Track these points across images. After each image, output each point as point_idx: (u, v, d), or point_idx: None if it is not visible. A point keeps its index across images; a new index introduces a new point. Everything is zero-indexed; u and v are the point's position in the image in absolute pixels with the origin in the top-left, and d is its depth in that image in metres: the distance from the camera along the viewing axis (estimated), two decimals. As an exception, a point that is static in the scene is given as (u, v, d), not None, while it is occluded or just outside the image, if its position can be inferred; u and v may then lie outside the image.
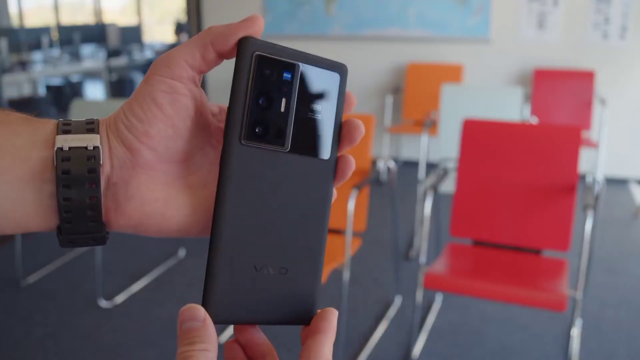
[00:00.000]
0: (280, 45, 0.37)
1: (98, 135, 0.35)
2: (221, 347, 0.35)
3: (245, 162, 0.35)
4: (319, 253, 0.38)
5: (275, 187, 0.37)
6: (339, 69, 0.38)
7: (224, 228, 0.35)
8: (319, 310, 0.38)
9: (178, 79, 0.36)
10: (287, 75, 0.36)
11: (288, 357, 0.37)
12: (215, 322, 0.35)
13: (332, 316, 0.37)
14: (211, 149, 0.39)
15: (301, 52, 0.37)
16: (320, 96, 0.38)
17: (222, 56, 0.37)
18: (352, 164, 0.39)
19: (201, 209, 0.38)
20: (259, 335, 0.39)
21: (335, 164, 0.39)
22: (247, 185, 0.36)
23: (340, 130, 0.38)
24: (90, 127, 0.36)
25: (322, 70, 0.38)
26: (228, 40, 0.36)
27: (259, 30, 0.36)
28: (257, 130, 0.36)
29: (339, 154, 0.39)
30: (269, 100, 0.36)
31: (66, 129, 0.35)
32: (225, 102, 0.38)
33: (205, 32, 0.36)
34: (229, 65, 0.37)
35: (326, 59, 0.38)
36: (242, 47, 0.35)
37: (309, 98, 0.37)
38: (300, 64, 0.37)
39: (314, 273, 0.38)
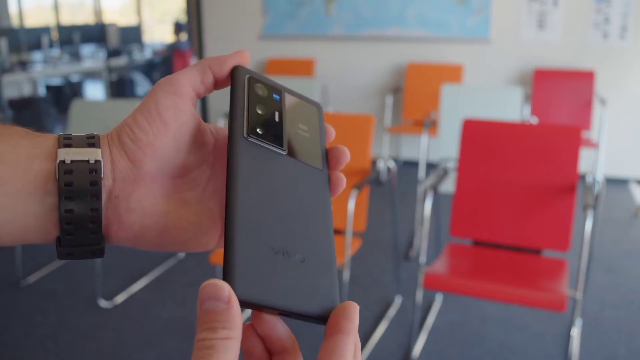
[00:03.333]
0: (265, 77, 0.42)
1: (99, 150, 0.36)
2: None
3: (250, 154, 0.37)
4: (331, 253, 0.39)
5: (279, 181, 0.38)
6: (316, 104, 0.44)
7: (238, 204, 0.35)
8: (340, 305, 0.35)
9: (180, 95, 0.38)
10: (276, 96, 0.42)
11: (311, 353, 0.35)
12: (239, 301, 0.32)
13: (354, 313, 0.34)
14: (207, 167, 0.41)
15: (283, 86, 0.43)
16: (305, 119, 0.43)
17: (217, 82, 0.40)
18: (343, 181, 0.42)
19: (197, 223, 0.39)
20: (280, 327, 0.36)
21: (328, 179, 0.41)
22: (253, 173, 0.37)
23: (327, 155, 0.42)
24: (92, 141, 0.37)
25: (302, 101, 0.44)
26: (223, 66, 0.40)
27: (246, 63, 0.41)
28: (257, 129, 0.39)
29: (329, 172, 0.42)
30: (264, 109, 0.40)
31: (67, 142, 0.36)
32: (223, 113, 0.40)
33: (202, 60, 0.40)
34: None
35: (304, 96, 0.44)
36: (236, 72, 0.40)
37: (296, 118, 0.42)
38: (284, 92, 0.43)
39: (330, 271, 0.38)
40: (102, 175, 0.36)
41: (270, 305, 0.34)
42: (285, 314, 0.35)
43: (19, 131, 0.36)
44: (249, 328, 0.36)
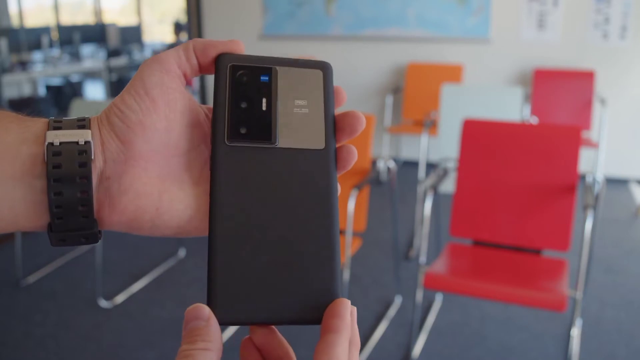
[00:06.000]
0: (257, 56, 0.39)
1: (89, 131, 0.36)
2: (236, 347, 0.34)
3: (233, 160, 0.36)
4: (330, 245, 0.36)
5: (271, 181, 0.37)
6: (321, 66, 0.40)
7: (221, 223, 0.35)
8: (330, 304, 0.35)
9: (167, 72, 0.37)
10: (264, 78, 0.39)
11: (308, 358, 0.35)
12: (222, 323, 0.34)
13: (344, 310, 0.34)
14: (206, 148, 0.40)
15: (280, 58, 0.40)
16: (304, 92, 0.39)
17: (202, 66, 0.39)
18: (354, 153, 0.39)
19: (193, 205, 0.38)
20: (275, 337, 0.37)
21: (335, 154, 0.39)
22: (238, 180, 0.36)
23: (335, 122, 0.39)
24: (82, 123, 0.36)
25: (302, 69, 0.40)
26: (206, 50, 0.38)
27: (238, 51, 0.39)
28: (240, 130, 0.37)
29: (339, 145, 0.39)
30: (249, 101, 0.38)
31: (57, 125, 0.36)
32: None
33: (188, 41, 0.39)
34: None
35: (308, 60, 0.40)
36: (219, 61, 0.38)
37: (292, 95, 0.39)
38: (276, 67, 0.39)
39: (328, 267, 0.36)
40: (92, 157, 0.35)
41: (254, 321, 0.35)
42: (274, 324, 0.36)
43: (8, 115, 0.36)
44: (247, 341, 0.37)
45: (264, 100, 0.38)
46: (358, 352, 0.34)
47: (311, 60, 0.40)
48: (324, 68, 0.40)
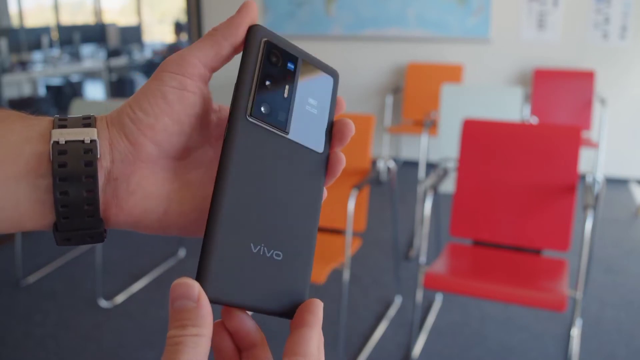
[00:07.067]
0: (284, 38, 0.39)
1: (95, 129, 0.35)
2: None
3: (249, 137, 0.36)
4: (310, 247, 0.38)
5: (275, 169, 0.37)
6: (332, 73, 0.41)
7: (225, 199, 0.34)
8: (305, 301, 0.36)
9: (189, 76, 0.36)
10: (290, 66, 0.38)
11: (279, 347, 0.35)
12: (209, 300, 0.33)
13: (318, 309, 0.35)
14: (210, 147, 0.39)
15: (302, 50, 0.40)
16: (317, 92, 0.40)
17: (235, 50, 0.38)
18: (342, 161, 0.40)
19: (200, 207, 0.38)
20: (249, 323, 0.36)
21: (327, 161, 0.39)
22: (249, 161, 0.36)
23: (332, 129, 0.40)
24: (87, 122, 0.36)
25: (319, 70, 0.40)
26: (237, 31, 0.37)
27: (256, 16, 0.38)
28: (262, 108, 0.36)
29: (329, 151, 0.40)
30: (275, 83, 0.37)
31: (62, 123, 0.35)
32: (224, 100, 0.39)
33: (213, 31, 0.37)
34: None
35: (322, 62, 0.41)
36: (251, 33, 0.37)
37: (307, 91, 0.39)
38: (301, 58, 0.39)
39: (304, 266, 0.37)
40: (98, 156, 0.35)
41: (239, 304, 0.35)
42: (253, 310, 0.36)
43: (12, 114, 0.35)
44: (219, 324, 0.37)
45: (287, 87, 0.38)
46: (323, 347, 0.36)
47: (325, 64, 0.41)
48: (335, 76, 0.41)
